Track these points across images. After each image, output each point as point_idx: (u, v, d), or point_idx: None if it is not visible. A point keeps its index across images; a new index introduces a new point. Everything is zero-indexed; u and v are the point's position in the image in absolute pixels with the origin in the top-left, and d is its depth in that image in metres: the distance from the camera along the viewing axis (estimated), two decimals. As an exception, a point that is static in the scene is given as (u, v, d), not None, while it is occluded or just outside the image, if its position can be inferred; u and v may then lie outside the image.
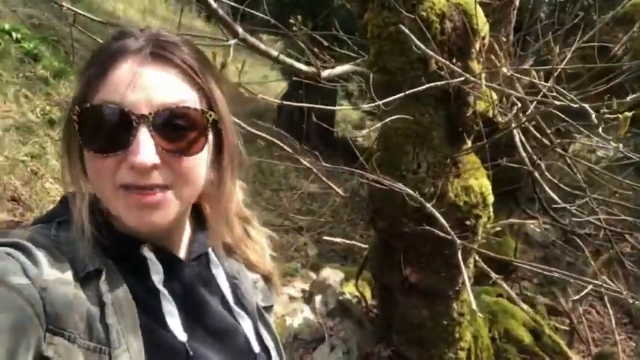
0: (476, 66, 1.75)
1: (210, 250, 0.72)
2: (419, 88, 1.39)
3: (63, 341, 0.55)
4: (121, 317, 0.58)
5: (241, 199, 0.77)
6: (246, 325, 0.71)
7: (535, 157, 2.55)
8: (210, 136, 0.63)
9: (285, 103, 2.11)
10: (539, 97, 1.94)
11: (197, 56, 0.63)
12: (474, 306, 1.76)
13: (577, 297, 2.82)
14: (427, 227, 1.73)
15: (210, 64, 0.67)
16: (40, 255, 0.58)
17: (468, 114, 1.77)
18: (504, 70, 2.30)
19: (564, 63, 2.44)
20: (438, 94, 1.74)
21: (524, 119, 1.82)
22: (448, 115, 1.81)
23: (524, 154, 2.48)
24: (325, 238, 2.84)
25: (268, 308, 0.79)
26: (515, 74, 2.13)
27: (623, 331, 4.43)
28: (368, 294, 2.87)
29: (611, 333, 4.32)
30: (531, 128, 2.52)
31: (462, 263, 1.49)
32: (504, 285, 2.34)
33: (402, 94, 1.42)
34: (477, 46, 1.70)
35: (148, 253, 0.64)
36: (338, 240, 2.75)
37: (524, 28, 3.09)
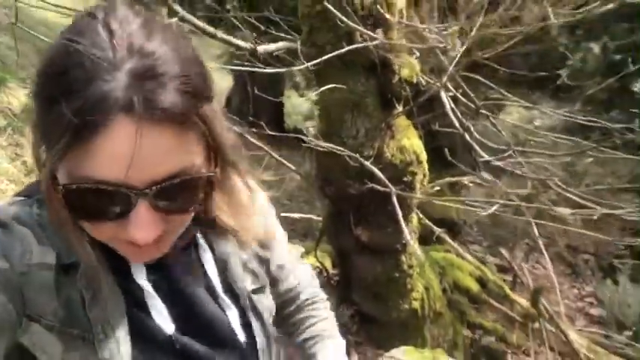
0: (395, 35, 1.97)
1: (198, 233, 0.68)
2: (340, 51, 1.58)
3: (40, 329, 0.53)
4: (105, 306, 0.57)
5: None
6: (232, 315, 0.69)
7: (464, 121, 2.82)
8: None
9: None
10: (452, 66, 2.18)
11: (188, 85, 0.50)
12: (418, 252, 1.98)
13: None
14: (369, 184, 1.94)
15: (202, 78, 0.53)
16: (24, 235, 0.55)
17: (394, 81, 1.98)
18: (429, 36, 2.54)
19: (475, 30, 2.71)
20: (366, 64, 1.94)
21: (444, 81, 2.05)
22: (378, 83, 2.02)
23: (453, 118, 2.73)
24: (283, 215, 3.01)
25: (261, 289, 0.75)
26: (436, 42, 2.37)
27: (566, 281, 4.83)
28: (328, 263, 3.07)
29: (557, 283, 4.71)
30: (459, 96, 2.78)
31: (398, 210, 1.70)
32: (447, 239, 2.58)
33: (328, 56, 1.61)
34: (395, 17, 1.92)
35: None
36: (295, 215, 2.93)
37: None
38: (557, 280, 4.88)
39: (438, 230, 2.58)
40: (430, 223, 2.63)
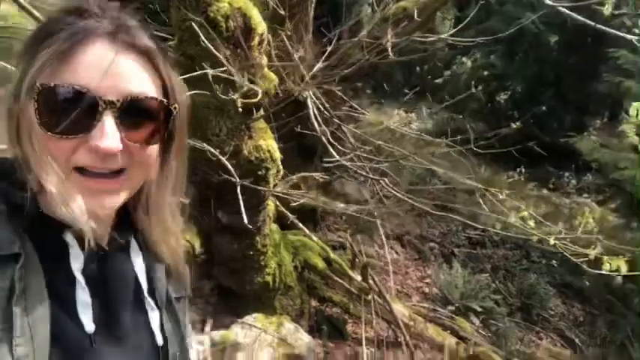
0: (256, 55, 2.36)
1: (132, 240, 0.72)
2: (202, 72, 1.94)
3: None
4: (30, 306, 0.56)
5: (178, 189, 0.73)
6: (154, 317, 0.72)
7: (324, 126, 3.32)
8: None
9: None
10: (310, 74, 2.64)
11: (156, 43, 0.64)
12: (270, 229, 2.38)
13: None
14: (224, 175, 2.32)
15: (166, 49, 0.66)
16: None
17: (253, 91, 2.38)
18: (296, 57, 2.98)
19: (340, 51, 3.22)
20: (229, 77, 2.31)
21: (299, 89, 2.50)
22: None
23: (315, 123, 3.22)
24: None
25: (180, 299, 0.79)
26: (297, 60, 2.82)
27: (414, 264, 5.63)
28: (197, 244, 3.41)
29: (404, 267, 5.50)
30: (318, 104, 3.27)
31: (240, 198, 2.11)
32: (298, 223, 3.07)
33: (194, 74, 1.96)
34: (256, 40, 2.31)
35: (71, 240, 0.62)
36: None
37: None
38: (407, 264, 5.71)
39: (291, 217, 3.06)
40: (285, 210, 3.10)
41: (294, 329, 2.93)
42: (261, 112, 2.59)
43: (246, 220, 2.08)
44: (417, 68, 11.98)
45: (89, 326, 0.62)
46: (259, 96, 2.02)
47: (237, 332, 2.81)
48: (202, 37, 1.98)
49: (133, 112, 0.60)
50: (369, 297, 3.28)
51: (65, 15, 0.61)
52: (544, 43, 9.69)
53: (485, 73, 11.46)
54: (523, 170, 5.88)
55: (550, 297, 4.85)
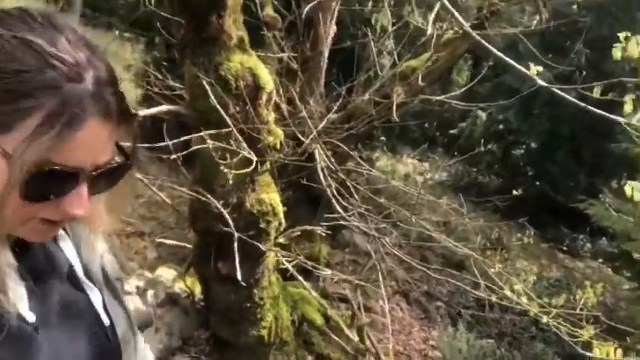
0: (264, 112, 2.43)
1: None
2: (207, 132, 2.00)
3: None
4: None
5: None
6: (95, 297, 0.72)
7: (329, 179, 3.35)
8: None
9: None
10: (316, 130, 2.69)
11: (119, 88, 0.62)
12: (269, 281, 2.37)
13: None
14: (224, 227, 2.35)
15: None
16: None
17: (259, 146, 2.43)
18: (304, 112, 3.06)
19: (350, 106, 3.29)
20: (238, 131, 2.38)
21: (306, 142, 2.55)
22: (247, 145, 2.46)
23: (321, 176, 3.26)
24: (158, 240, 3.32)
25: (118, 280, 0.81)
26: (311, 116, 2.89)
27: (419, 324, 5.49)
28: (198, 289, 3.40)
29: (408, 325, 5.37)
30: (325, 160, 3.31)
31: (236, 252, 2.12)
32: (297, 276, 3.05)
33: (200, 134, 2.02)
34: (264, 97, 2.39)
35: None
36: (170, 242, 3.24)
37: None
38: (411, 322, 5.57)
39: (290, 269, 3.05)
40: (286, 263, 3.09)
41: (286, 388, 2.85)
42: (267, 166, 2.64)
43: (240, 277, 2.08)
44: (432, 119, 12.11)
45: (29, 316, 0.62)
46: (252, 166, 2.06)
47: (227, 387, 2.75)
48: (212, 97, 2.05)
49: (102, 177, 0.61)
50: (366, 358, 3.20)
51: (32, 55, 0.54)
52: (559, 100, 9.69)
53: (501, 127, 11.52)
54: (532, 233, 5.78)
55: (555, 367, 4.66)
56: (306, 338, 3.46)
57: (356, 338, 3.16)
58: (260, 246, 2.41)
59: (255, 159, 2.06)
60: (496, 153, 11.52)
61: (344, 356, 3.46)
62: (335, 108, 3.13)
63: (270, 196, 2.61)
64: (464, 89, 3.97)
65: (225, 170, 1.83)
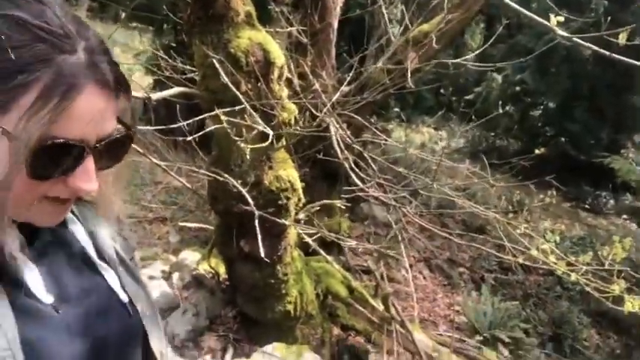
0: (276, 87, 2.39)
1: None
2: (222, 110, 1.97)
3: None
4: None
5: None
6: (111, 277, 0.73)
7: (346, 152, 3.32)
8: None
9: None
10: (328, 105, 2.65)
11: (118, 66, 0.62)
12: (292, 257, 2.38)
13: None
14: (244, 206, 2.34)
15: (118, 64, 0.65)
16: None
17: (273, 122, 2.40)
18: (317, 85, 3.01)
19: (364, 76, 3.22)
20: (251, 107, 2.35)
21: (321, 116, 2.51)
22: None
23: (337, 150, 3.22)
24: (181, 224, 3.35)
25: (132, 259, 0.81)
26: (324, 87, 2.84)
27: (442, 290, 5.51)
28: (222, 269, 3.44)
29: (432, 292, 5.39)
30: (340, 133, 3.27)
31: (258, 229, 2.12)
32: (321, 251, 3.06)
33: (214, 112, 1.99)
34: (276, 73, 2.35)
35: None
36: (191, 225, 3.27)
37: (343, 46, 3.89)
38: (435, 289, 5.59)
39: (312, 244, 3.05)
40: (307, 237, 3.09)
41: (313, 359, 2.90)
42: (283, 142, 2.61)
43: (263, 253, 2.08)
44: (447, 85, 11.88)
45: (47, 298, 0.63)
46: (269, 140, 2.03)
47: (257, 362, 2.80)
48: (222, 75, 2.02)
49: (106, 150, 0.61)
50: (392, 327, 3.22)
51: (41, 44, 0.54)
52: (577, 57, 9.37)
53: (517, 88, 11.24)
54: (555, 193, 5.68)
55: (583, 327, 4.64)
56: (331, 310, 3.49)
57: (381, 307, 3.18)
58: (282, 222, 2.41)
59: (271, 133, 2.04)
60: (514, 115, 11.28)
61: (369, 326, 3.49)
62: (348, 79, 3.06)
63: (287, 172, 2.59)
64: (478, 52, 3.84)
65: (242, 146, 1.81)
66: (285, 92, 2.48)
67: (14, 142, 0.53)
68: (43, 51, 0.54)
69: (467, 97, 12.30)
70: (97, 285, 0.71)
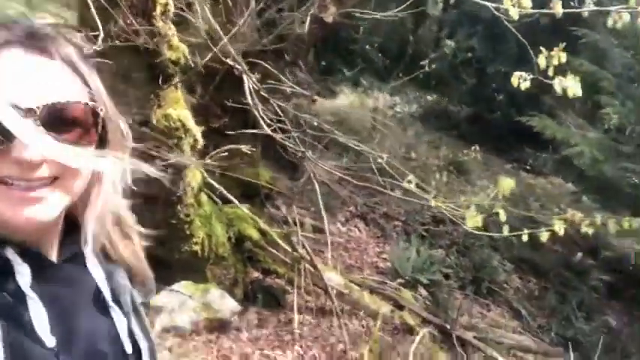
0: (161, 24, 2.43)
1: (85, 249, 0.70)
2: (110, 44, 2.00)
3: None
4: None
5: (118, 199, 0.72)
6: (121, 325, 0.70)
7: (257, 100, 3.38)
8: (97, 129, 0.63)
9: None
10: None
11: (74, 47, 0.63)
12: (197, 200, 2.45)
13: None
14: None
15: (89, 55, 0.66)
16: None
17: (158, 61, 2.45)
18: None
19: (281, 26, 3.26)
20: (131, 46, 2.39)
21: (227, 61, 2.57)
22: (146, 61, 2.47)
23: (249, 97, 3.28)
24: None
25: (145, 304, 0.79)
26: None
27: (375, 241, 5.71)
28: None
29: (364, 243, 5.59)
30: (251, 79, 3.32)
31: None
32: (228, 195, 3.16)
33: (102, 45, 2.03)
34: (158, 9, 2.38)
35: (12, 255, 0.60)
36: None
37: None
38: (367, 241, 5.79)
39: (219, 187, 3.14)
40: (220, 187, 3.18)
41: (220, 295, 3.03)
42: (176, 80, 2.67)
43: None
44: (405, 49, 11.94)
45: (49, 341, 0.60)
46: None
47: (162, 299, 2.91)
48: (92, 7, 2.05)
49: (56, 118, 0.57)
50: (301, 266, 3.37)
51: None
52: (524, 23, 9.57)
53: (469, 54, 11.42)
54: (477, 148, 5.94)
55: (500, 270, 4.93)
56: (252, 255, 3.61)
57: (289, 248, 3.31)
58: (175, 160, 2.48)
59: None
60: (466, 81, 11.49)
61: (289, 270, 3.63)
62: (262, 23, 3.09)
63: (177, 112, 2.65)
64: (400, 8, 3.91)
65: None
66: (172, 30, 2.52)
67: None
68: None
69: (422, 63, 12.41)
70: (103, 330, 0.69)
